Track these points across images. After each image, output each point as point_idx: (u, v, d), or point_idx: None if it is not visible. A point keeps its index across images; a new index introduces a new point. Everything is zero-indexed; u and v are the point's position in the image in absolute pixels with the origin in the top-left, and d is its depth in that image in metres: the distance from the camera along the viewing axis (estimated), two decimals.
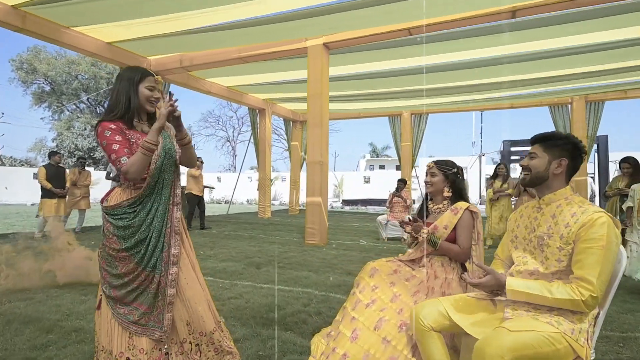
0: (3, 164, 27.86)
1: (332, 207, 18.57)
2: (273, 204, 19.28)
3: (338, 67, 7.73)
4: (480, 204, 17.58)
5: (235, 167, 41.16)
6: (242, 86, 10.06)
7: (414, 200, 6.93)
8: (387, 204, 7.21)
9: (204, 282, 1.91)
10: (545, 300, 1.40)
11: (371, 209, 16.68)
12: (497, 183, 6.30)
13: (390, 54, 7.16)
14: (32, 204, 15.80)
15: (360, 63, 7.74)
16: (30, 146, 34.68)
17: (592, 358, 1.40)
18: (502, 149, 14.42)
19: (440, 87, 9.21)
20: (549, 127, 10.41)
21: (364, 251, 5.87)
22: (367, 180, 21.77)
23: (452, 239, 2.12)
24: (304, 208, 7.10)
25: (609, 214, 1.44)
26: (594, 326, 1.44)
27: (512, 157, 13.60)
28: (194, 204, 8.26)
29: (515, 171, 14.30)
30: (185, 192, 8.28)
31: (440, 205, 2.24)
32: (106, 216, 1.70)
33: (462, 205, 2.14)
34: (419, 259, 2.14)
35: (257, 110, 11.31)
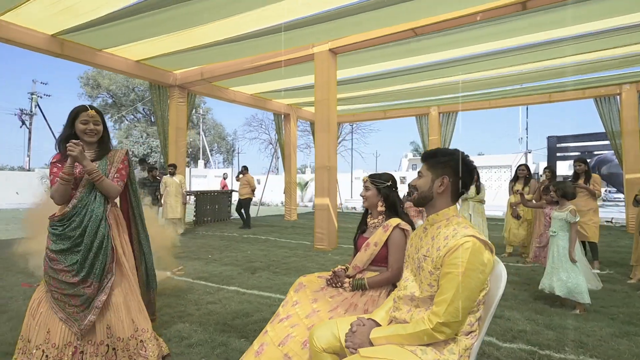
0: None
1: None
2: (307, 206, 19.52)
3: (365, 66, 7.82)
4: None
5: (278, 169, 42.49)
6: (266, 92, 10.36)
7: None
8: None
9: (137, 290, 2.09)
10: (402, 338, 1.36)
11: None
12: (518, 186, 5.89)
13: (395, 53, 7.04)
14: None
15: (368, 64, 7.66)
16: None
17: None
18: (547, 145, 13.41)
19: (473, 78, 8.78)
20: (596, 121, 9.52)
21: None
22: (402, 181, 21.20)
23: (384, 256, 2.10)
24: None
25: (481, 238, 1.37)
26: (469, 358, 1.37)
27: (558, 154, 12.57)
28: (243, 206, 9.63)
29: (558, 170, 13.19)
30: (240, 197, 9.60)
31: (376, 220, 2.22)
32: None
33: (392, 222, 2.10)
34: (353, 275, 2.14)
35: (282, 115, 11.57)
